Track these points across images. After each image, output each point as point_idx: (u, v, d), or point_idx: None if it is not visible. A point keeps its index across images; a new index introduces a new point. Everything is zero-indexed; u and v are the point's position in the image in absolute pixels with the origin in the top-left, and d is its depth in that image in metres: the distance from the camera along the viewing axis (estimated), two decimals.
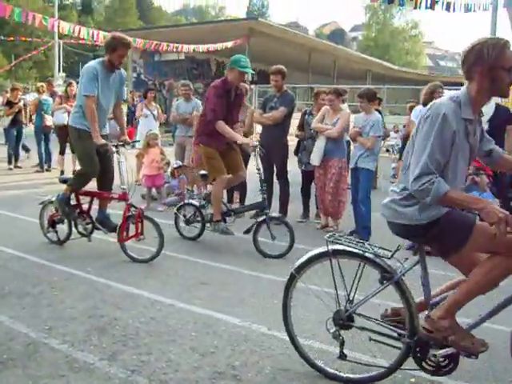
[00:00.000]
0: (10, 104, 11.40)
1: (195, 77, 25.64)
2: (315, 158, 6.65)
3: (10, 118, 11.26)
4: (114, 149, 5.24)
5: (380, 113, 7.85)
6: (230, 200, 7.59)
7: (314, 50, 25.16)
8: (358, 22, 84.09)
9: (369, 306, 2.96)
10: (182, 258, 5.41)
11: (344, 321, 2.93)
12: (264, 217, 5.62)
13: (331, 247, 2.90)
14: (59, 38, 26.51)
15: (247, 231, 5.73)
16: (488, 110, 6.04)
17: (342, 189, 6.64)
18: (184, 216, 6.16)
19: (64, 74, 29.41)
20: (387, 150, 15.87)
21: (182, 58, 23.70)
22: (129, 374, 3.01)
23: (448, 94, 2.81)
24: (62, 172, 10.29)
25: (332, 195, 6.55)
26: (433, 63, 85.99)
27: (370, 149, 6.14)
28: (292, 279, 3.06)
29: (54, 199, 5.52)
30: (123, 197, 5.29)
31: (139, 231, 5.20)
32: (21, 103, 11.60)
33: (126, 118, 14.19)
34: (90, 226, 5.56)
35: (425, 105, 6.62)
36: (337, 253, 2.91)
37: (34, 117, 11.59)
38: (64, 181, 5.68)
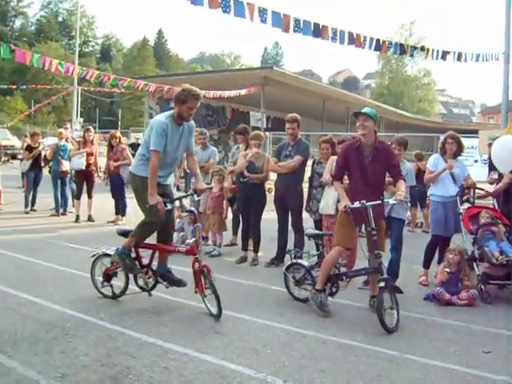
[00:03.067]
0: (29, 149, 11.71)
1: (210, 123, 26.04)
2: (330, 207, 6.49)
3: (30, 162, 11.52)
4: (168, 206, 5.07)
5: None
6: (246, 247, 7.55)
7: (327, 98, 25.53)
8: (371, 70, 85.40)
9: None
10: (194, 306, 5.22)
11: None
12: (383, 283, 4.86)
13: None
14: (78, 84, 27.20)
15: (372, 298, 5.23)
16: None
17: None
18: (293, 277, 5.67)
19: (82, 119, 29.98)
20: None
21: None
22: None
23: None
24: (78, 217, 10.38)
25: None
26: (446, 110, 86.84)
27: (404, 199, 6.02)
28: None
29: (111, 252, 5.30)
30: (191, 250, 5.06)
31: (206, 285, 4.96)
32: (40, 147, 11.85)
33: None
34: (151, 279, 5.28)
35: (442, 155, 6.58)
36: None
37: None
38: (123, 233, 5.38)
